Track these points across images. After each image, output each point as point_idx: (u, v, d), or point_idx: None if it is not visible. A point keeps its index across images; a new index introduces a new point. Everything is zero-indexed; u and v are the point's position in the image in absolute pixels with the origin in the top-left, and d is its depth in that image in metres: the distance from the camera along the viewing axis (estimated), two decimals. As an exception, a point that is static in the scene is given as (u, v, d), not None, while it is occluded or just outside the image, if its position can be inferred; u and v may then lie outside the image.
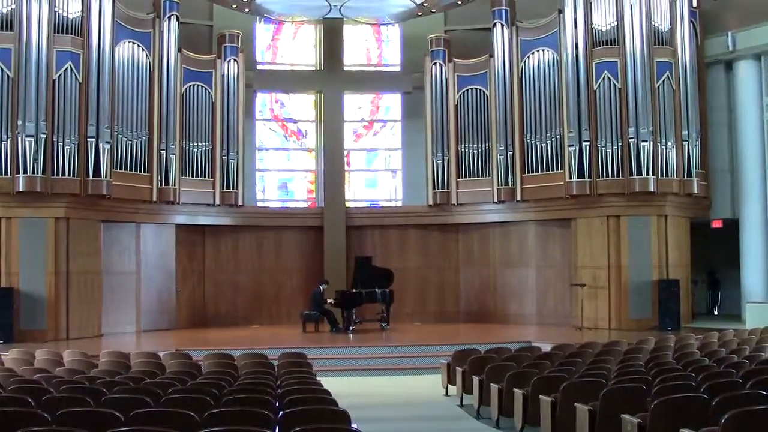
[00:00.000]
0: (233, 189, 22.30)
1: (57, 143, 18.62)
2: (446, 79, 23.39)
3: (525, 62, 22.06)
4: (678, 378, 8.78)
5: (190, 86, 21.94)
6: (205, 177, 22.03)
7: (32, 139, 18.29)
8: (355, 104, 25.32)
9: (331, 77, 24.27)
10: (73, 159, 18.78)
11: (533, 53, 21.92)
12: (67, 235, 19.07)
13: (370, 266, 21.24)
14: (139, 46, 20.67)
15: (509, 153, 22.10)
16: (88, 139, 19.07)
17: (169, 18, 21.20)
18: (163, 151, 20.89)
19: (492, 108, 22.66)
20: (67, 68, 18.89)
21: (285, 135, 25.23)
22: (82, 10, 19.27)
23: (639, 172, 20.00)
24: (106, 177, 19.22)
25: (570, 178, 20.74)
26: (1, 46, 18.62)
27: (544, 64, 21.72)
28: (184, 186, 21.49)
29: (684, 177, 20.62)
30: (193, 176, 21.78)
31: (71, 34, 19.09)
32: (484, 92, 22.96)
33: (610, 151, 20.28)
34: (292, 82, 25.03)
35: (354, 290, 20.61)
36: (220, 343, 17.81)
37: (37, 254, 18.67)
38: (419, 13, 22.43)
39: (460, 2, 22.18)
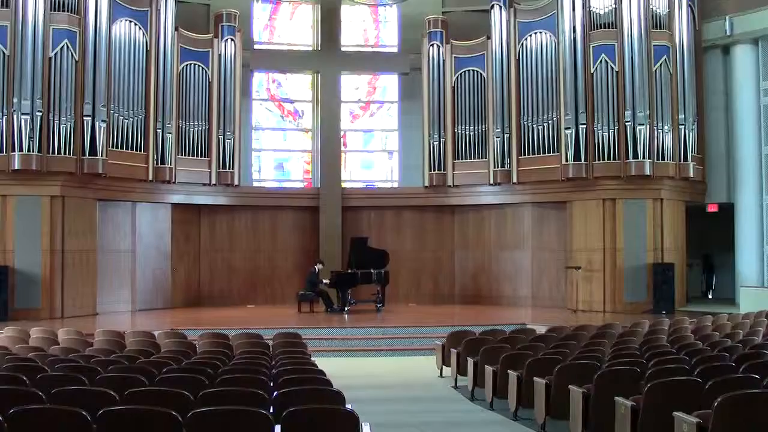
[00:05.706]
0: (229, 169, 22.25)
1: (53, 121, 18.55)
2: (443, 61, 23.31)
3: (522, 44, 21.97)
4: (672, 361, 8.80)
5: (186, 65, 21.83)
6: (201, 156, 21.99)
7: (28, 117, 18.22)
8: (352, 85, 25.22)
9: (328, 57, 24.13)
10: (68, 137, 18.71)
11: (531, 35, 21.83)
12: (63, 214, 19.05)
13: (365, 247, 21.24)
14: (136, 24, 20.53)
15: (506, 135, 22.07)
16: (84, 118, 18.99)
17: (166, -4, 21.09)
18: (159, 130, 20.82)
19: (489, 90, 22.60)
20: (63, 46, 18.77)
21: (281, 115, 25.15)
22: (79, -12, 19.16)
23: (635, 156, 19.99)
24: (101, 156, 19.16)
25: (566, 160, 20.71)
26: (-3, 24, 18.54)
27: (541, 46, 21.64)
28: (180, 165, 21.44)
29: (680, 161, 20.62)
30: (189, 155, 21.74)
31: (68, 11, 18.95)
32: (481, 74, 22.87)
33: (607, 134, 20.25)
34: (289, 62, 24.91)
35: (349, 271, 20.64)
36: (215, 322, 17.81)
37: (33, 232, 18.65)
38: (417, -6, 22.35)
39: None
